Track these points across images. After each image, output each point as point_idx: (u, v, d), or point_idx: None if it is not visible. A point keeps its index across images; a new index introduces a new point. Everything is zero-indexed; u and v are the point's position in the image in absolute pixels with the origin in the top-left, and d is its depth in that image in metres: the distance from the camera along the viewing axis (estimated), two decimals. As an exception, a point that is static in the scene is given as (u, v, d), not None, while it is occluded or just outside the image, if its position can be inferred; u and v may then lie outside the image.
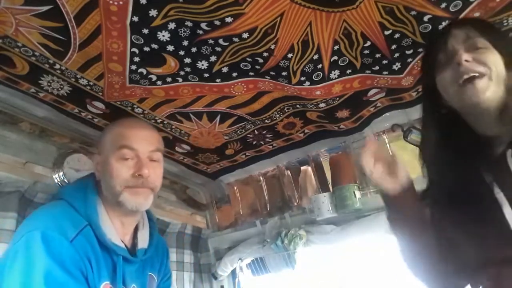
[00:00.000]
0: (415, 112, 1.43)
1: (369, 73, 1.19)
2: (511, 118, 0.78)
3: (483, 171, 0.80)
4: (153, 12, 0.89)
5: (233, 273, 1.85)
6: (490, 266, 0.78)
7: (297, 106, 1.37)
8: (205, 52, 1.03)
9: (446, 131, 0.89)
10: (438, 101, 0.89)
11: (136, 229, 1.11)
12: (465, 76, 0.80)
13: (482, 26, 0.88)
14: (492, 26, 0.93)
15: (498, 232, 0.76)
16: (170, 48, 1.01)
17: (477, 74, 0.80)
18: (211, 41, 0.99)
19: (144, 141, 1.03)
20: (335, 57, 1.10)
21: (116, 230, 0.99)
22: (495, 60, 0.81)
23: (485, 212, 0.79)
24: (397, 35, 1.04)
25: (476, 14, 0.97)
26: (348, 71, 1.18)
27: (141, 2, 0.86)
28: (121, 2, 0.85)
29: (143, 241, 1.10)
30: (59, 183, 1.29)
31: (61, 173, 1.30)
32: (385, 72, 1.19)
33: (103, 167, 1.02)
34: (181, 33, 0.95)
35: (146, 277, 1.10)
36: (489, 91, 0.80)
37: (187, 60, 1.06)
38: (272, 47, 1.02)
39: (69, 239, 0.86)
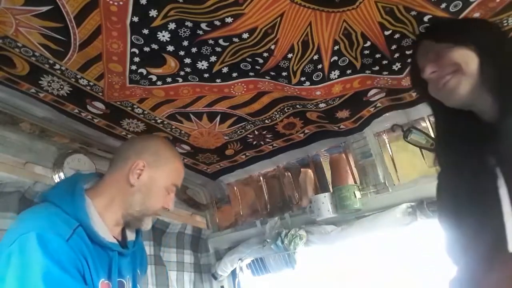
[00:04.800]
0: (415, 112, 1.44)
1: (369, 73, 1.19)
2: (500, 103, 0.80)
3: (490, 160, 0.80)
4: (153, 12, 0.88)
5: (233, 273, 1.85)
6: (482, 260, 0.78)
7: (297, 106, 1.37)
8: (205, 52, 1.03)
9: (452, 120, 0.92)
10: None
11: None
12: (440, 85, 0.87)
13: (436, 33, 0.93)
14: (448, 26, 0.96)
15: (492, 232, 0.76)
16: (170, 48, 1.01)
17: (449, 77, 0.85)
18: (211, 41, 0.99)
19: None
20: (335, 57, 1.10)
21: (108, 229, 1.00)
22: (461, 55, 0.84)
23: (484, 207, 0.79)
24: (397, 35, 1.04)
25: (476, 15, 0.97)
26: (348, 71, 1.18)
27: (141, 2, 0.86)
28: (121, 2, 0.85)
29: (131, 235, 1.13)
30: (59, 183, 1.29)
31: (61, 174, 1.30)
32: (385, 72, 1.19)
33: (148, 182, 1.05)
34: (181, 33, 0.95)
35: (136, 269, 1.13)
36: (462, 86, 0.83)
37: (187, 60, 1.06)
38: (272, 47, 1.02)
39: (65, 239, 0.85)
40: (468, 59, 0.83)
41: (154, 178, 1.06)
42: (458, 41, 0.86)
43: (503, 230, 0.73)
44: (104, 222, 0.99)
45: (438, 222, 0.94)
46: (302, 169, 1.82)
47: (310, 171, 1.79)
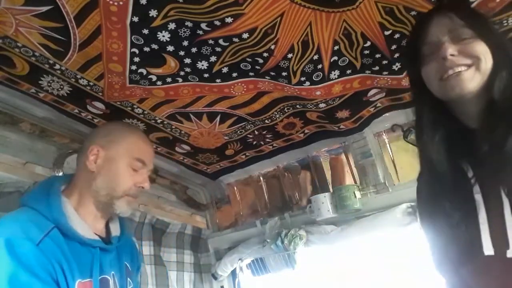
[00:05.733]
0: (415, 113, 1.44)
1: (369, 73, 1.19)
2: (493, 113, 0.76)
3: (465, 166, 0.79)
4: (153, 12, 0.89)
5: (233, 273, 1.85)
6: (461, 266, 0.78)
7: (297, 106, 1.37)
8: (205, 52, 1.03)
9: (435, 119, 0.85)
10: (426, 90, 0.85)
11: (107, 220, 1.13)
12: (450, 72, 0.78)
13: (467, 14, 0.83)
14: (476, 14, 0.88)
15: (468, 237, 0.75)
16: (170, 48, 1.01)
17: (464, 68, 0.77)
18: (211, 41, 0.99)
19: (152, 160, 1.14)
20: (335, 57, 1.10)
21: (88, 225, 1.00)
22: (483, 50, 0.78)
23: (460, 212, 0.78)
24: (397, 35, 1.04)
25: (476, 15, 0.97)
26: (348, 71, 1.18)
27: (141, 2, 0.86)
28: (121, 3, 0.85)
29: (115, 230, 1.12)
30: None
31: (61, 174, 1.30)
32: (385, 72, 1.19)
33: (106, 164, 1.04)
34: (181, 33, 0.96)
35: (123, 265, 1.12)
36: (474, 82, 0.77)
37: (187, 60, 1.06)
38: (272, 47, 1.02)
39: (35, 243, 0.85)
40: (487, 56, 0.78)
41: (110, 158, 1.05)
42: (484, 35, 0.79)
43: (478, 234, 0.73)
44: (82, 219, 0.99)
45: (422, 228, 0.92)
46: (302, 171, 1.82)
47: (310, 172, 1.79)
